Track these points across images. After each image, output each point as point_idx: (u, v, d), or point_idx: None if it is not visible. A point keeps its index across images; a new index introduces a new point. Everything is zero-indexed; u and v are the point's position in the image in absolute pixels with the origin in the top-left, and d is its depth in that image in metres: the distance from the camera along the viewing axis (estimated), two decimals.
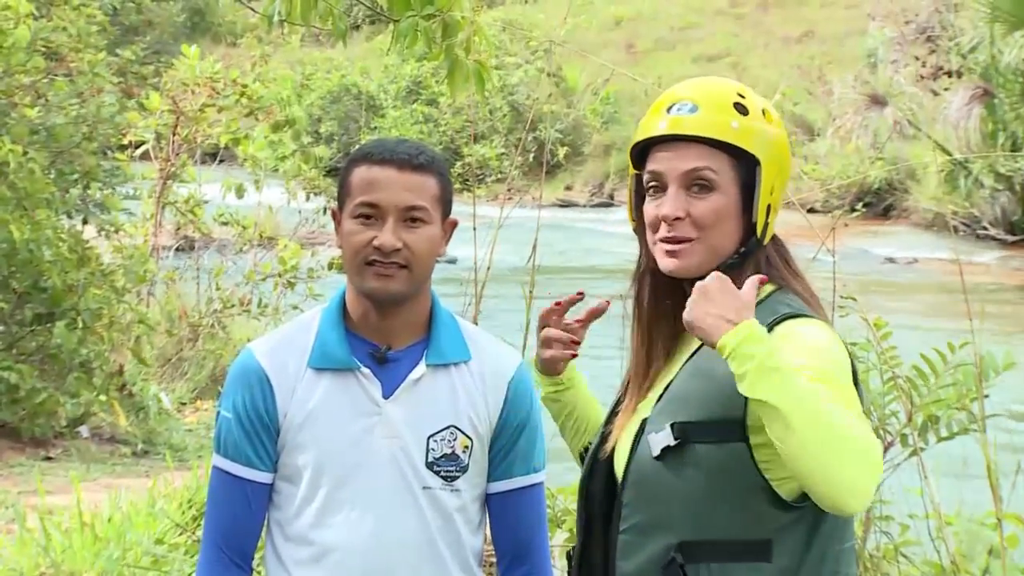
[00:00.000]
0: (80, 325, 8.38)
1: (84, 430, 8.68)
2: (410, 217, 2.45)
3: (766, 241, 2.38)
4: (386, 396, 2.49)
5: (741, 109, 2.35)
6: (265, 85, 11.52)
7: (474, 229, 4.57)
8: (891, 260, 20.52)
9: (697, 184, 2.35)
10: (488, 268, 4.62)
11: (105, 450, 8.55)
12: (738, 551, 2.25)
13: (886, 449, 4.36)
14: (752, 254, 2.37)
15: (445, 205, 2.52)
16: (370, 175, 2.47)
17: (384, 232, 2.44)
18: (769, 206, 2.36)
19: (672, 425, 2.29)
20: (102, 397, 8.52)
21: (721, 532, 2.25)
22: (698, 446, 2.26)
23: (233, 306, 11.01)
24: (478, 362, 2.55)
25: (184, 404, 9.98)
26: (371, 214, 2.45)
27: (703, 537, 2.27)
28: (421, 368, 2.50)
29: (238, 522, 2.53)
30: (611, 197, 29.47)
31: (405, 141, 2.53)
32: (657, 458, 2.31)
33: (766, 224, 2.36)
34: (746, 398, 2.15)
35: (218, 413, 2.55)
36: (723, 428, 2.25)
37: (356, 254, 2.46)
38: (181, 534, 5.57)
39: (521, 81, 30.30)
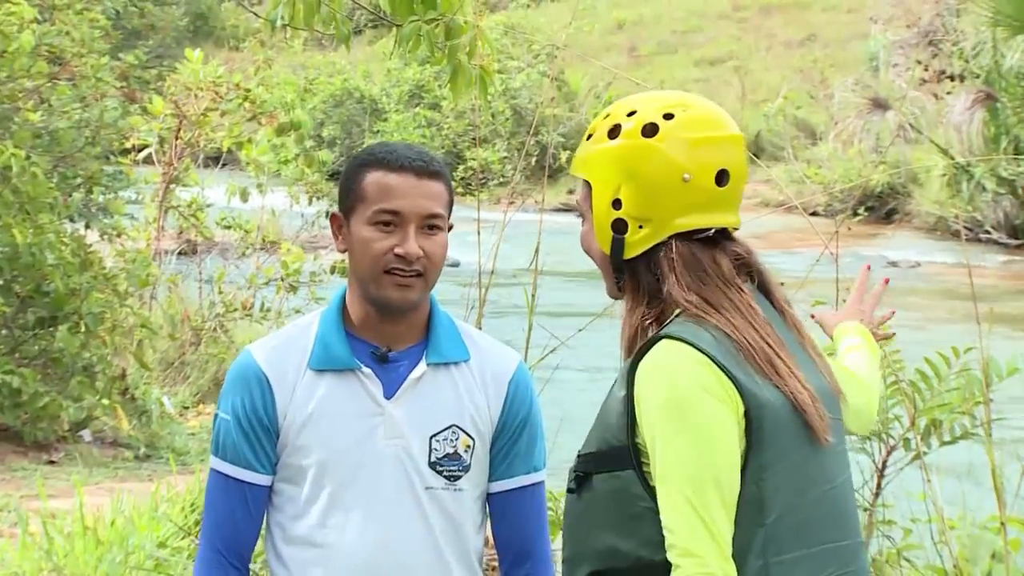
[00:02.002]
0: (82, 329, 8.38)
1: (86, 434, 8.68)
2: (429, 224, 2.46)
3: (629, 255, 2.34)
4: (388, 396, 2.49)
5: (590, 136, 2.40)
6: (268, 89, 11.52)
7: (478, 234, 4.57)
8: (893, 264, 20.49)
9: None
10: (492, 272, 4.62)
11: (107, 454, 8.55)
12: None
13: (889, 453, 4.36)
14: (623, 273, 2.36)
15: (451, 210, 2.54)
16: (387, 181, 2.46)
17: (408, 241, 2.44)
18: (623, 221, 2.33)
19: (577, 457, 2.34)
20: (104, 401, 8.52)
21: (623, 559, 2.26)
22: (596, 477, 2.30)
23: (235, 310, 11.00)
24: (478, 361, 2.56)
25: (186, 408, 9.98)
26: (391, 221, 2.45)
27: (609, 566, 2.28)
28: (422, 367, 2.50)
29: (237, 525, 2.52)
30: None
31: (411, 146, 2.53)
32: (571, 491, 2.37)
33: (620, 241, 2.33)
34: (630, 426, 2.23)
35: (216, 415, 2.54)
36: (613, 457, 2.28)
37: (375, 262, 2.45)
38: (184, 538, 5.57)
39: (523, 85, 30.30)
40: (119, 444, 8.69)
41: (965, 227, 20.85)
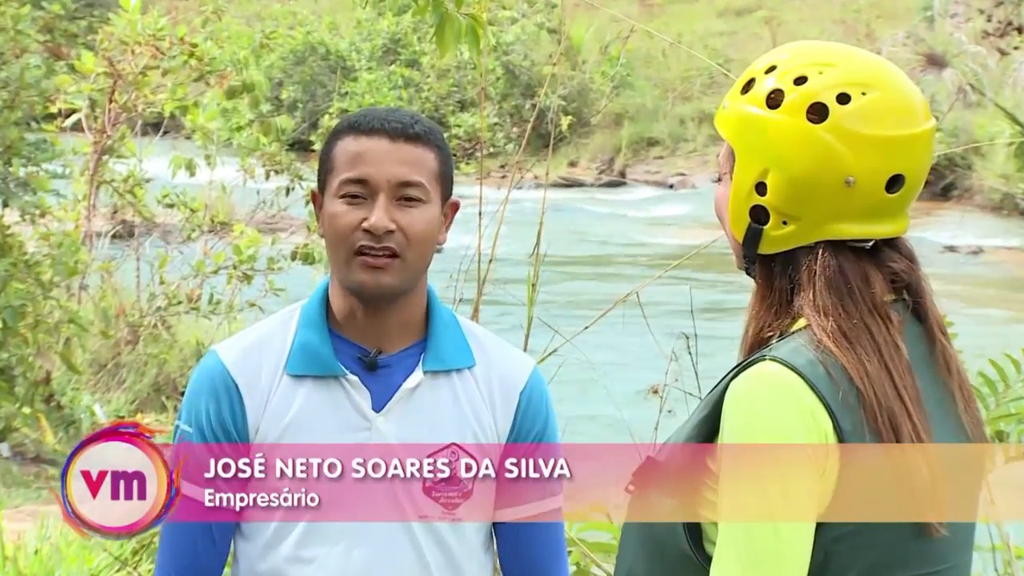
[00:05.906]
0: (0, 325, 8.39)
1: (4, 448, 8.69)
2: (405, 195, 2.46)
3: (764, 250, 2.23)
4: (377, 409, 2.49)
5: (747, 86, 2.27)
6: (218, 44, 11.51)
7: (480, 214, 4.56)
8: (951, 249, 20.56)
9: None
10: (491, 260, 4.61)
11: (29, 471, 8.56)
12: None
13: None
14: (755, 262, 2.26)
15: (445, 183, 2.53)
16: (357, 147, 2.47)
17: (375, 211, 2.44)
18: (764, 209, 2.21)
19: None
20: (26, 409, 8.52)
21: None
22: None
23: (180, 303, 11.00)
24: (484, 368, 2.55)
25: (122, 417, 9.98)
26: (359, 192, 2.46)
27: None
28: (417, 375, 2.50)
29: (198, 558, 2.52)
30: (622, 175, 29.48)
31: (395, 110, 2.53)
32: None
33: (757, 231, 2.22)
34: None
35: (176, 427, 2.54)
36: None
37: (342, 240, 2.45)
38: (119, 570, 5.58)
39: (517, 39, 30.30)
40: (43, 460, 8.71)
41: None
